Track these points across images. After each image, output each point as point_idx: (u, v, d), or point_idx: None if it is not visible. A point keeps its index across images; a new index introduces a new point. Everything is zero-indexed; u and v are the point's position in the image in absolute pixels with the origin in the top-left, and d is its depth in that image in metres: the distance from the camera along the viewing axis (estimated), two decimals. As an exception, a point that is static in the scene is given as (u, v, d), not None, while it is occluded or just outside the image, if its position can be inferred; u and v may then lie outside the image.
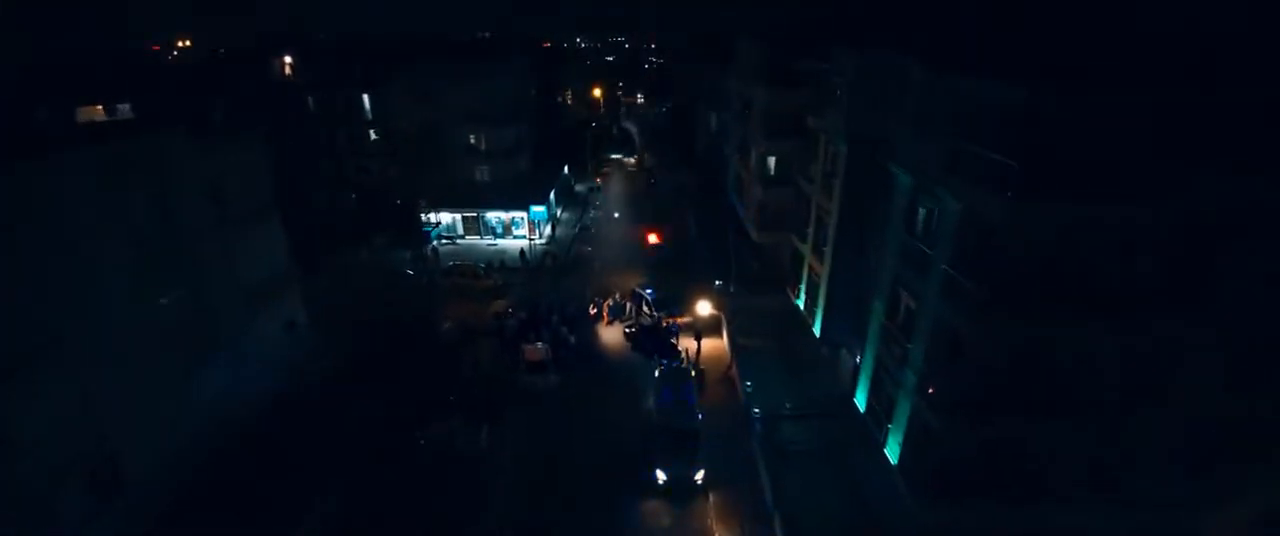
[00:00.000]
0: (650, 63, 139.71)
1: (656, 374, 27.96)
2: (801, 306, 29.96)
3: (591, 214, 56.57)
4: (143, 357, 18.60)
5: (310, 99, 51.56)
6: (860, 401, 22.62)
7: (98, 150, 17.38)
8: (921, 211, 17.67)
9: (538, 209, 47.21)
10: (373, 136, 53.44)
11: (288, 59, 52.70)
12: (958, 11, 16.72)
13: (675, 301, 36.01)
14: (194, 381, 20.33)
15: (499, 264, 43.20)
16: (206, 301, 20.90)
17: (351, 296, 37.54)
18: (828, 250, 25.41)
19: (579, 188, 66.63)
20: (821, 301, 26.55)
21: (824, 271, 25.98)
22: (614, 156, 76.83)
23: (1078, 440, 16.68)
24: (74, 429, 16.80)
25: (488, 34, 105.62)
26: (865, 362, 21.92)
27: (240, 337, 22.77)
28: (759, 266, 39.65)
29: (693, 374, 28.39)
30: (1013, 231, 13.97)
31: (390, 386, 27.63)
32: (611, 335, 34.23)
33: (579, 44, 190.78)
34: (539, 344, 30.80)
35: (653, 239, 41.94)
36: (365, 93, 51.02)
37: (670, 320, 34.34)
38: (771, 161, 37.65)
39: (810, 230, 28.14)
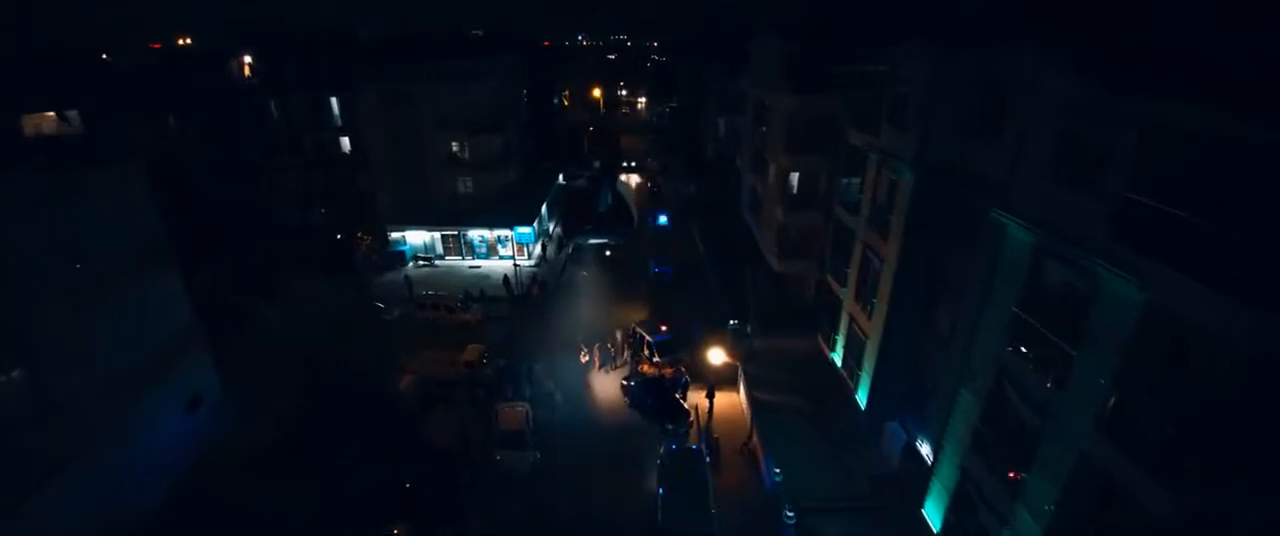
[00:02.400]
0: (652, 61, 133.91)
1: (661, 451, 22.56)
2: (839, 362, 24.41)
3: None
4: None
5: (273, 103, 46.06)
6: (931, 515, 17.08)
7: None
8: (1051, 283, 12.10)
9: (524, 230, 41.68)
10: (346, 146, 47.96)
11: (247, 59, 47.23)
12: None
13: (682, 343, 30.55)
14: (30, 511, 14.79)
15: (479, 293, 37.71)
16: (49, 396, 15.38)
17: (301, 338, 32.00)
18: (880, 304, 19.86)
19: (575, 198, 61.13)
20: (868, 365, 21.01)
21: (874, 329, 20.43)
22: (594, 242, 47.51)
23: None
24: None
25: (480, 31, 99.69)
26: (943, 466, 16.36)
27: (109, 437, 17.24)
28: (780, 299, 34.10)
29: (705, 451, 22.94)
30: (1252, 349, 8.42)
31: (327, 473, 22.16)
32: (605, 386, 28.72)
33: (580, 41, 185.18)
34: (518, 404, 25.38)
35: (663, 328, 31.03)
36: (333, 96, 45.49)
37: (674, 368, 28.88)
38: (794, 179, 32.06)
39: (852, 272, 22.59)
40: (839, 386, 24.86)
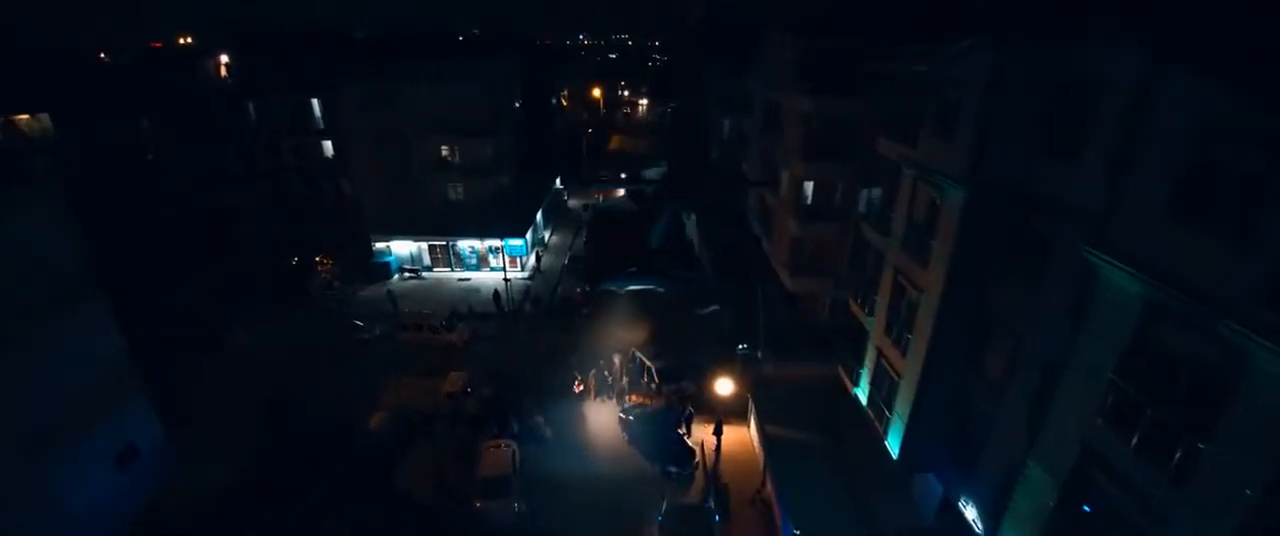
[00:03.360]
0: (654, 60, 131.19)
1: (664, 507, 19.93)
2: (864, 399, 21.68)
3: (584, 237, 48.31)
4: None
5: (251, 106, 43.35)
6: (986, 601, 14.34)
7: None
8: (1169, 351, 9.35)
9: (515, 242, 39.00)
10: (329, 151, 45.26)
11: (223, 58, 44.55)
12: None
13: (687, 370, 27.91)
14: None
15: (467, 309, 35.05)
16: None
17: (265, 367, 29.30)
18: (917, 341, 17.11)
19: (573, 203, 58.43)
20: (902, 410, 18.26)
21: (909, 369, 17.70)
22: (635, 289, 33.75)
23: None
24: None
25: (477, 31, 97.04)
26: (1000, 547, 13.62)
27: (24, 502, 14.60)
28: (793, 319, 31.36)
29: (713, 507, 20.29)
30: None
31: (286, 525, 19.54)
32: (601, 420, 26.04)
33: (581, 40, 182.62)
34: (503, 443, 22.73)
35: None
36: (314, 97, 42.77)
37: (677, 393, 26.26)
38: (809, 188, 29.30)
39: (881, 300, 19.83)
40: (858, 418, 22.16)
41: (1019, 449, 13.93)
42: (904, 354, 17.94)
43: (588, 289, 31.98)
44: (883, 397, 19.86)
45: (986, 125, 13.23)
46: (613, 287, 33.60)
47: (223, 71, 45.80)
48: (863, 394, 21.80)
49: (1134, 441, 9.87)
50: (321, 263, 38.97)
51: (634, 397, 25.93)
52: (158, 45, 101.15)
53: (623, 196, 43.94)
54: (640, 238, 34.37)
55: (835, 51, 25.65)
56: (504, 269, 38.41)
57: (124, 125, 41.19)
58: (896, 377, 18.54)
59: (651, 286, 33.25)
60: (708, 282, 33.46)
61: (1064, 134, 11.75)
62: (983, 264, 14.64)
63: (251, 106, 43.32)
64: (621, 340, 30.47)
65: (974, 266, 14.77)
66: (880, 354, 20.00)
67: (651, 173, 47.52)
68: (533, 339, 32.29)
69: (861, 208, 27.46)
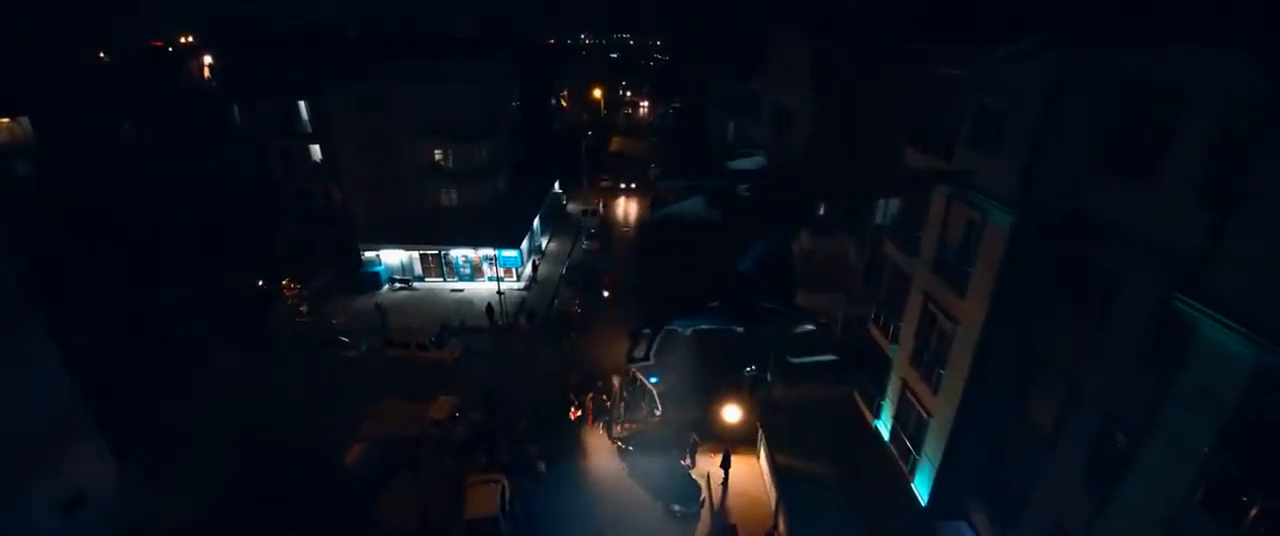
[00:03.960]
0: (655, 60, 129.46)
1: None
2: (886, 433, 19.87)
3: (584, 244, 46.57)
4: None
5: (236, 108, 41.58)
6: None
7: None
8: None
9: (509, 253, 37.24)
10: (316, 155, 43.47)
11: (207, 60, 42.79)
12: None
13: (691, 394, 26.17)
14: None
15: (459, 324, 33.31)
16: None
17: (244, 388, 27.57)
18: (951, 377, 15.32)
19: (572, 208, 56.72)
20: (933, 453, 16.47)
21: (942, 408, 15.91)
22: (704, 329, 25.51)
23: None
24: None
25: (476, 31, 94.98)
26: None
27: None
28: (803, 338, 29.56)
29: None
30: None
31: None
32: (599, 449, 24.30)
33: (583, 40, 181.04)
34: (491, 478, 20.96)
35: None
36: (301, 99, 40.94)
37: (680, 420, 24.51)
38: (821, 198, 27.51)
39: (907, 328, 18.05)
40: (877, 448, 20.37)
41: (1074, 509, 12.17)
42: (935, 390, 16.14)
43: (649, 331, 22.49)
44: (908, 435, 18.07)
45: (1040, 140, 11.44)
46: (681, 328, 24.54)
47: (206, 73, 44.04)
48: (885, 428, 20.00)
49: (1238, 528, 8.09)
50: (288, 286, 35.75)
51: (622, 428, 24.15)
52: (158, 44, 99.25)
53: (692, 201, 31.93)
54: (719, 256, 24.65)
55: (852, 52, 23.83)
56: (498, 279, 36.65)
57: (103, 128, 39.49)
58: (926, 415, 16.74)
59: (735, 326, 24.47)
60: (818, 324, 24.85)
61: (1138, 153, 9.97)
62: (1032, 296, 12.86)
63: (236, 108, 41.55)
64: (622, 357, 28.66)
65: (1021, 298, 12.98)
66: (905, 386, 18.20)
67: (745, 164, 34.49)
68: (528, 355, 30.59)
69: (879, 219, 25.72)
